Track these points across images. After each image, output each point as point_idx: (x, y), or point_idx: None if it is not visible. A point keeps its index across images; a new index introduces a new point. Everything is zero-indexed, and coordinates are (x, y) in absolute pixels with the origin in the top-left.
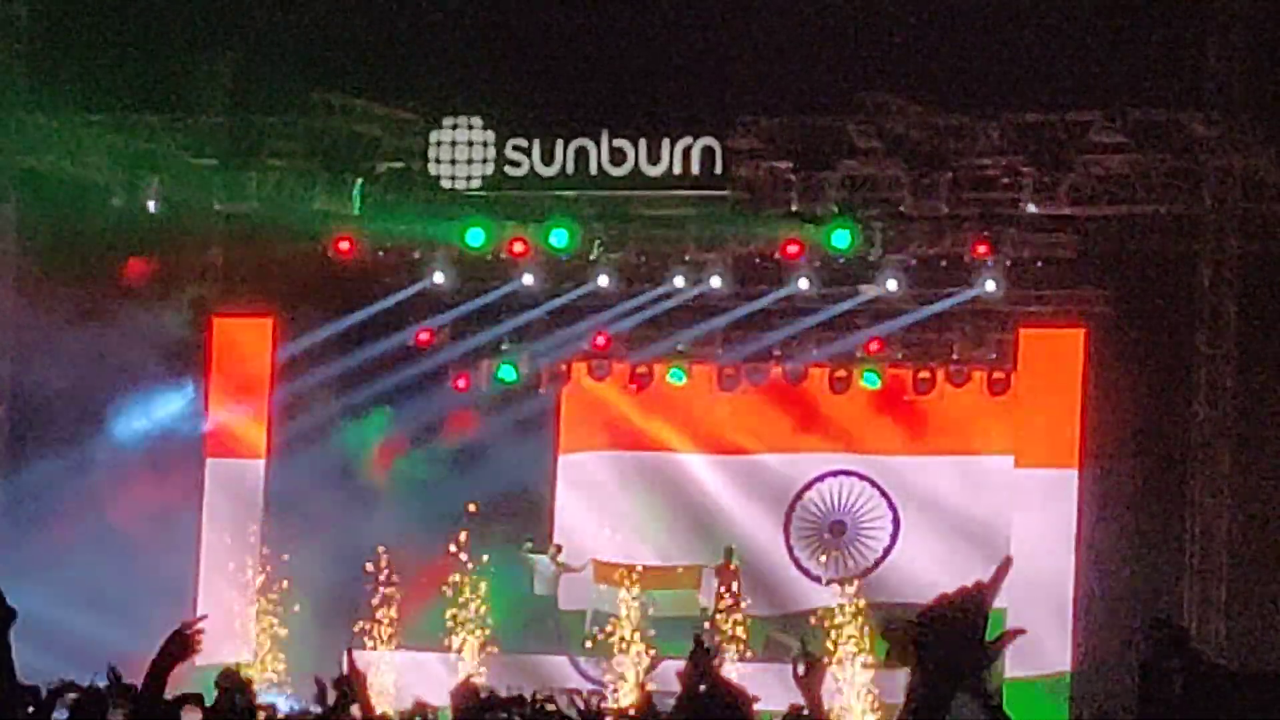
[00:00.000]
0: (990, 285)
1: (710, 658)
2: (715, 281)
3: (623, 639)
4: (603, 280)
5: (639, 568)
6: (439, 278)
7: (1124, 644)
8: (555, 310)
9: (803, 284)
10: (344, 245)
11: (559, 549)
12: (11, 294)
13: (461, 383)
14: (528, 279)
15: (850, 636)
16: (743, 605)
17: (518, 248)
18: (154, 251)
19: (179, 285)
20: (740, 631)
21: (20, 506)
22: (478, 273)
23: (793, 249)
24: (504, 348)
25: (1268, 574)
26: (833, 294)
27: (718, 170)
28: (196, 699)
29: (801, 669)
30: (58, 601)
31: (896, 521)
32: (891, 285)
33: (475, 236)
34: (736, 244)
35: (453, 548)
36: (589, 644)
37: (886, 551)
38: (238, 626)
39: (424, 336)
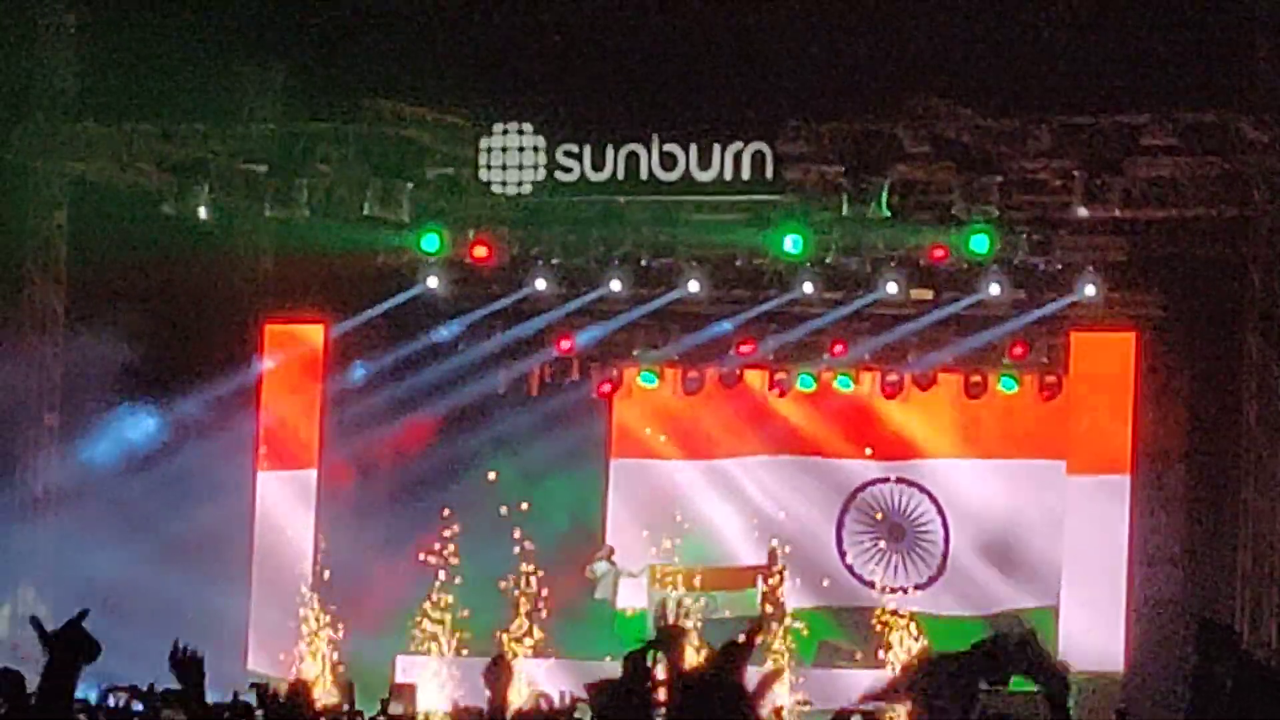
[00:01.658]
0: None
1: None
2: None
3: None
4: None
5: (697, 572)
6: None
7: (1176, 648)
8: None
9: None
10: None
11: (612, 551)
12: (63, 302)
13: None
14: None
15: (906, 642)
16: (788, 607)
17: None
18: (205, 259)
19: (231, 293)
20: (790, 639)
21: (67, 518)
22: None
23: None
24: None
25: None
26: (885, 299)
27: (768, 174)
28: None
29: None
30: (111, 615)
31: (947, 529)
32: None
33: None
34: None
35: (513, 553)
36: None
37: (944, 558)
38: (291, 639)
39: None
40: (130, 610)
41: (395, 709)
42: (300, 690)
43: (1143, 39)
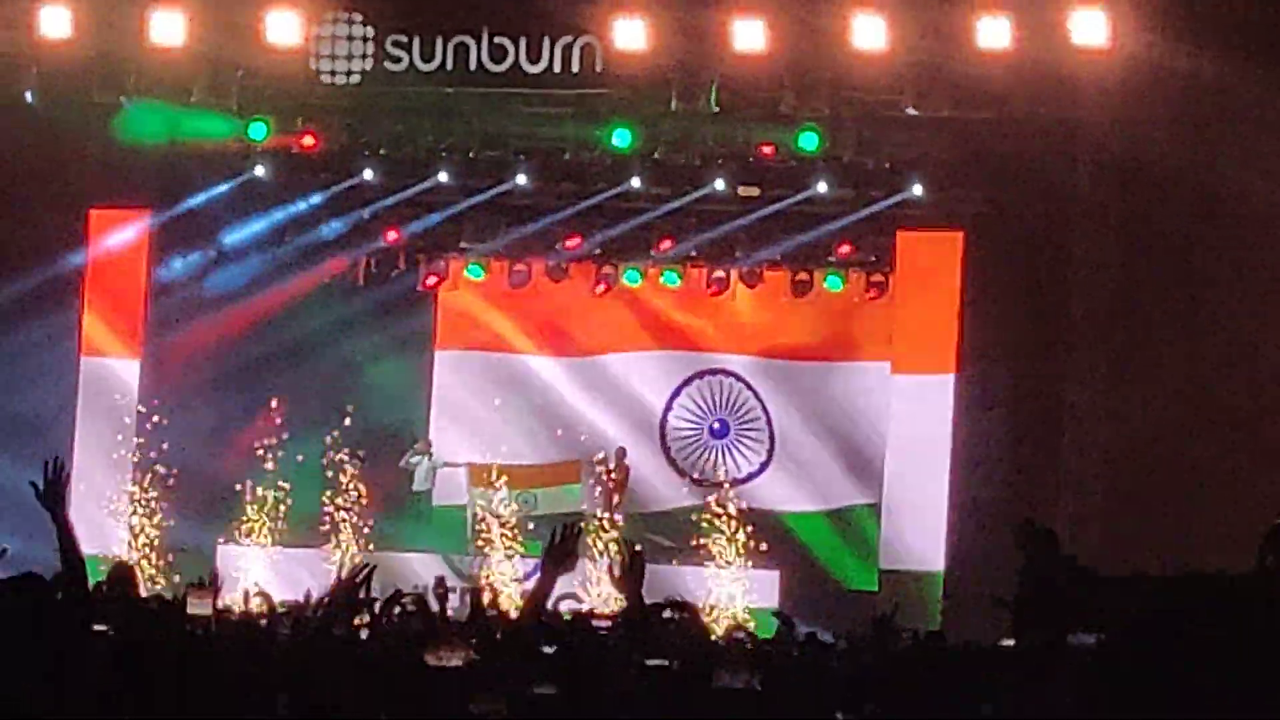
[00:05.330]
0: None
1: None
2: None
3: (499, 538)
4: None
5: (516, 469)
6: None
7: (998, 547)
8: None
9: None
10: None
11: (429, 445)
12: None
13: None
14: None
15: (724, 537)
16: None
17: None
18: (32, 144)
19: (57, 179)
20: (613, 531)
21: None
22: None
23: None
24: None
25: (1144, 479)
26: (713, 195)
27: (598, 68)
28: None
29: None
30: None
31: (771, 425)
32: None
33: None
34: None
35: (327, 442)
36: (470, 548)
37: (769, 455)
38: (112, 524)
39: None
40: None
41: (195, 608)
42: (123, 573)
43: None
